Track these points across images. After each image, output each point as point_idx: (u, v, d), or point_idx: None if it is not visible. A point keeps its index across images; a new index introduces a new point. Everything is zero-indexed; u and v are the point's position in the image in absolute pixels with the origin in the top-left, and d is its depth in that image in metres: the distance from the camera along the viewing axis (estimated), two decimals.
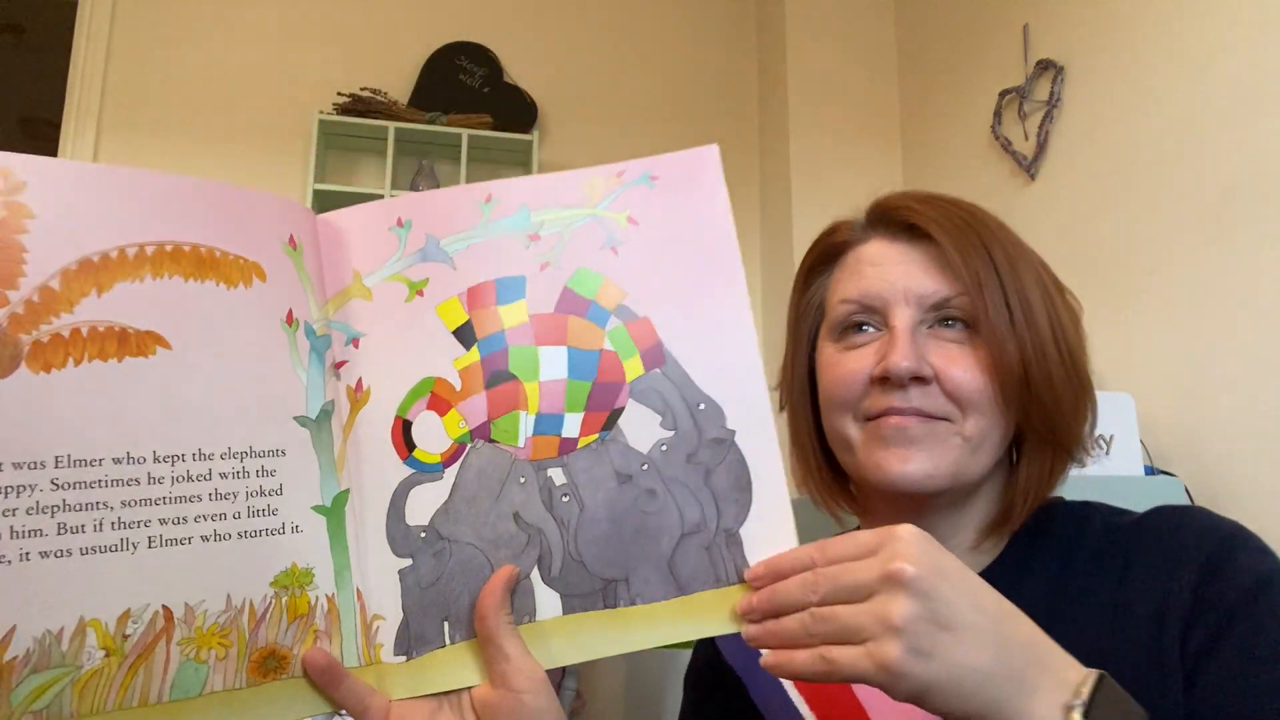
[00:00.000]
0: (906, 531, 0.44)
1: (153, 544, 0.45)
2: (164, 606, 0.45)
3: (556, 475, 0.52)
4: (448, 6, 2.97)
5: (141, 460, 0.45)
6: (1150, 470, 1.69)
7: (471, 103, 2.84)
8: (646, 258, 0.54)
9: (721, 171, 0.57)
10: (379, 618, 0.51)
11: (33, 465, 0.42)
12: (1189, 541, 0.56)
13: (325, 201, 2.68)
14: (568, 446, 0.52)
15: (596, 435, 0.52)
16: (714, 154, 0.59)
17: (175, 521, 0.45)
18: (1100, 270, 2.00)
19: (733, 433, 0.52)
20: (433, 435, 0.52)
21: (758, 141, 3.15)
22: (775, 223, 2.93)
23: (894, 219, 0.64)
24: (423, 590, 0.51)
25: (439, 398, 0.52)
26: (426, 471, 0.51)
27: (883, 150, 2.91)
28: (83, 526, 0.43)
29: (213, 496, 0.47)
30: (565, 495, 0.51)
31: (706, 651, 0.73)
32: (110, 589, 0.43)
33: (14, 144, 4.55)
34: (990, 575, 0.56)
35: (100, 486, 0.43)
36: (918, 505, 0.61)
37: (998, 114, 2.39)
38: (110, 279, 0.45)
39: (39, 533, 0.42)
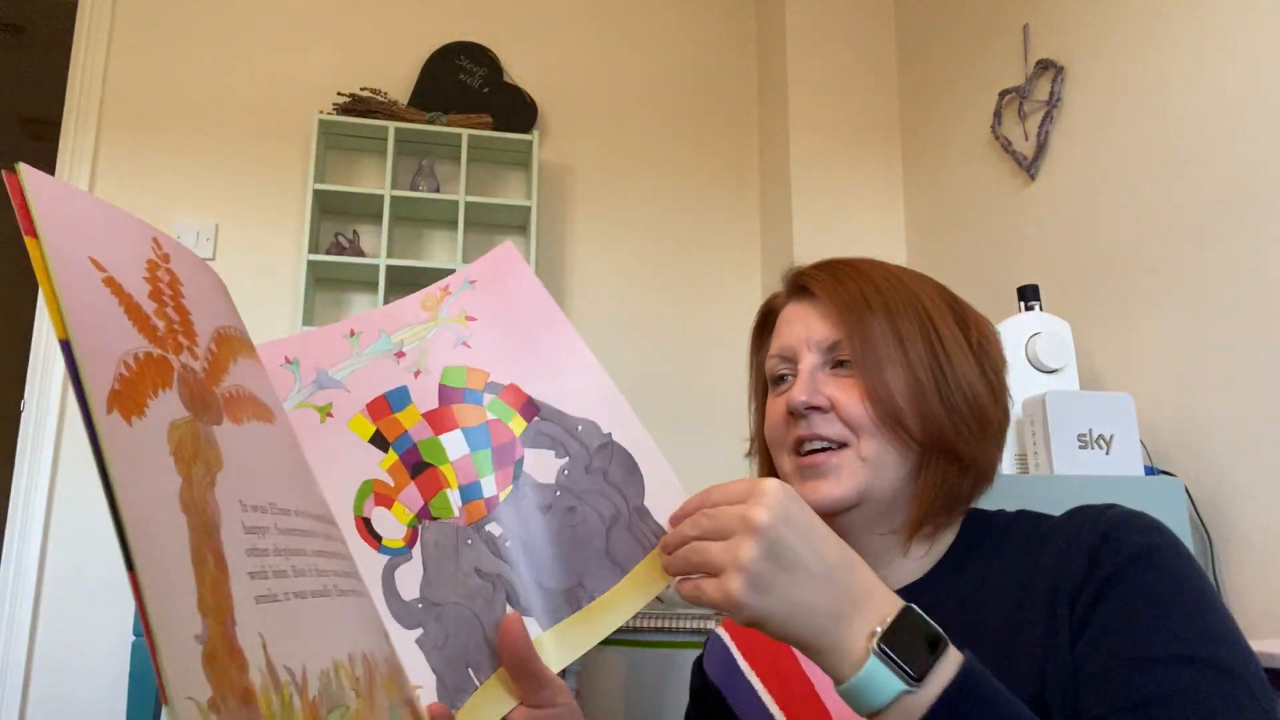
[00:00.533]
0: (770, 484, 0.53)
1: (339, 593, 0.47)
2: (364, 653, 0.47)
3: (494, 528, 0.62)
4: (448, 6, 2.97)
5: (302, 514, 0.46)
6: (1150, 470, 1.69)
7: (471, 103, 2.84)
8: (492, 340, 0.67)
9: (520, 256, 0.72)
10: (417, 687, 0.58)
11: (258, 508, 0.42)
12: (1085, 525, 0.64)
13: (325, 201, 2.68)
14: (492, 504, 0.63)
15: (510, 486, 0.63)
16: (510, 248, 0.72)
17: (335, 573, 0.48)
18: (1100, 270, 2.00)
19: (609, 435, 0.66)
20: (390, 525, 0.61)
21: (758, 141, 3.15)
22: (775, 223, 2.93)
23: (797, 284, 0.77)
24: (440, 650, 0.59)
25: (381, 494, 0.62)
26: (398, 555, 0.61)
27: (883, 150, 2.91)
28: (303, 570, 0.44)
29: (335, 554, 0.49)
30: (506, 541, 0.62)
31: (696, 674, 0.83)
32: (335, 633, 0.45)
33: (14, 144, 4.55)
34: (930, 578, 0.70)
35: (298, 535, 0.45)
36: (847, 524, 0.70)
37: (998, 114, 2.39)
38: (232, 351, 0.47)
39: (284, 574, 0.42)
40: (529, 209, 2.74)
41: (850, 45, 2.94)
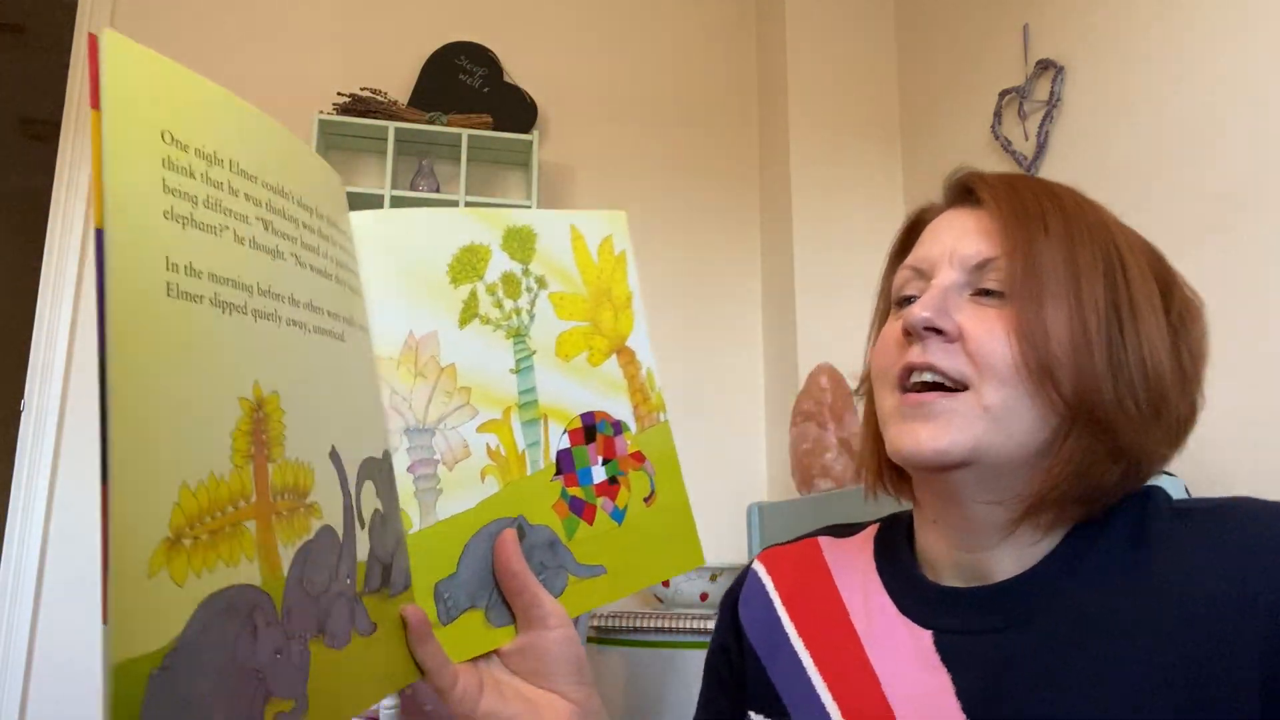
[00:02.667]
0: None
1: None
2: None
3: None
4: (448, 6, 2.97)
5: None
6: None
7: (471, 103, 2.84)
8: None
9: None
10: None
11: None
12: (1270, 546, 0.50)
13: None
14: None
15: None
16: None
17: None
18: None
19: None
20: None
21: (758, 141, 3.15)
22: (775, 222, 2.93)
23: (960, 188, 0.64)
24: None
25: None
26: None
27: (883, 150, 2.91)
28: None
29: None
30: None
31: (727, 636, 0.72)
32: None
33: (14, 144, 4.55)
34: (1040, 574, 0.57)
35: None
36: (948, 486, 0.58)
37: (998, 114, 2.39)
38: None
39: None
40: (529, 209, 2.74)
41: (850, 45, 2.94)
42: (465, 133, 2.71)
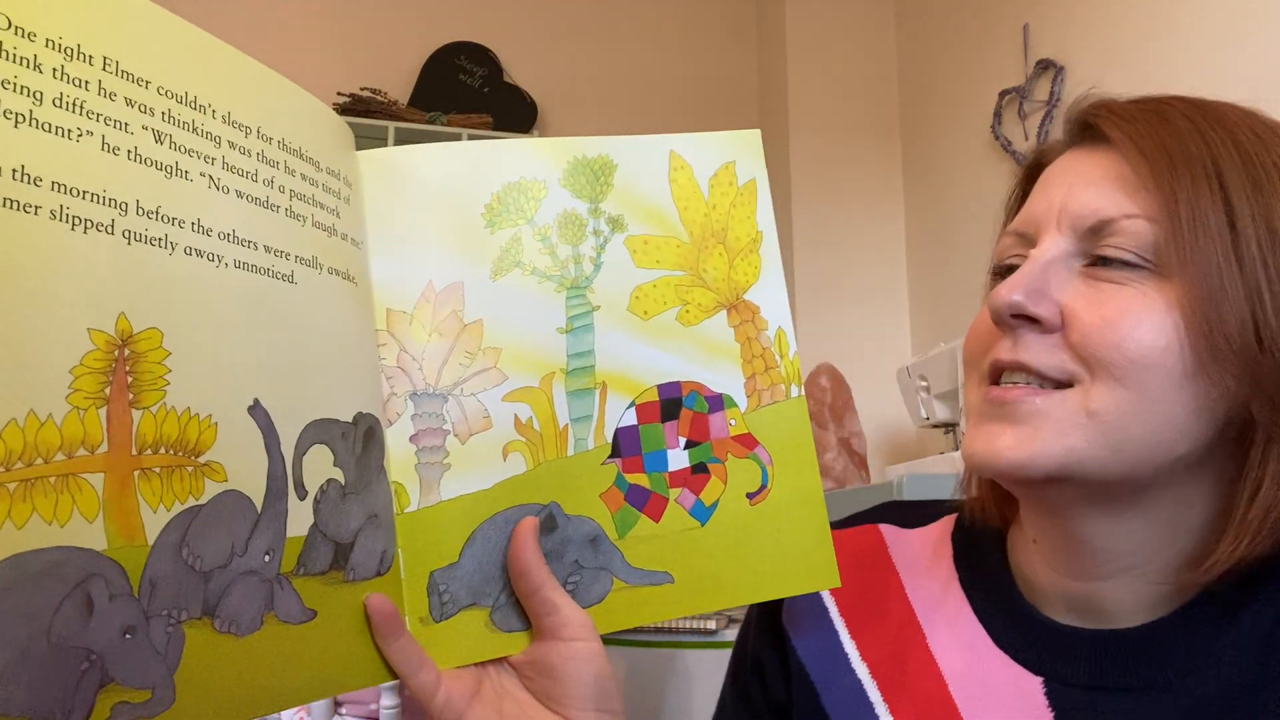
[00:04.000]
0: None
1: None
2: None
3: None
4: (448, 6, 2.97)
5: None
6: None
7: (471, 103, 2.84)
8: None
9: None
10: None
11: None
12: None
13: None
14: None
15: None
16: None
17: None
18: None
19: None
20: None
21: None
22: (775, 223, 2.93)
23: (1081, 124, 0.50)
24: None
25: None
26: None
27: (883, 150, 2.91)
28: None
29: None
30: None
31: (764, 649, 0.60)
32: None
33: None
34: (1186, 618, 0.45)
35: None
36: (1050, 504, 0.47)
37: (998, 114, 2.39)
38: None
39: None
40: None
41: (850, 45, 2.94)
42: (465, 133, 2.72)
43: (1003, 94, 2.37)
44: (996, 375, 0.46)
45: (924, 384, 2.09)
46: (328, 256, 0.46)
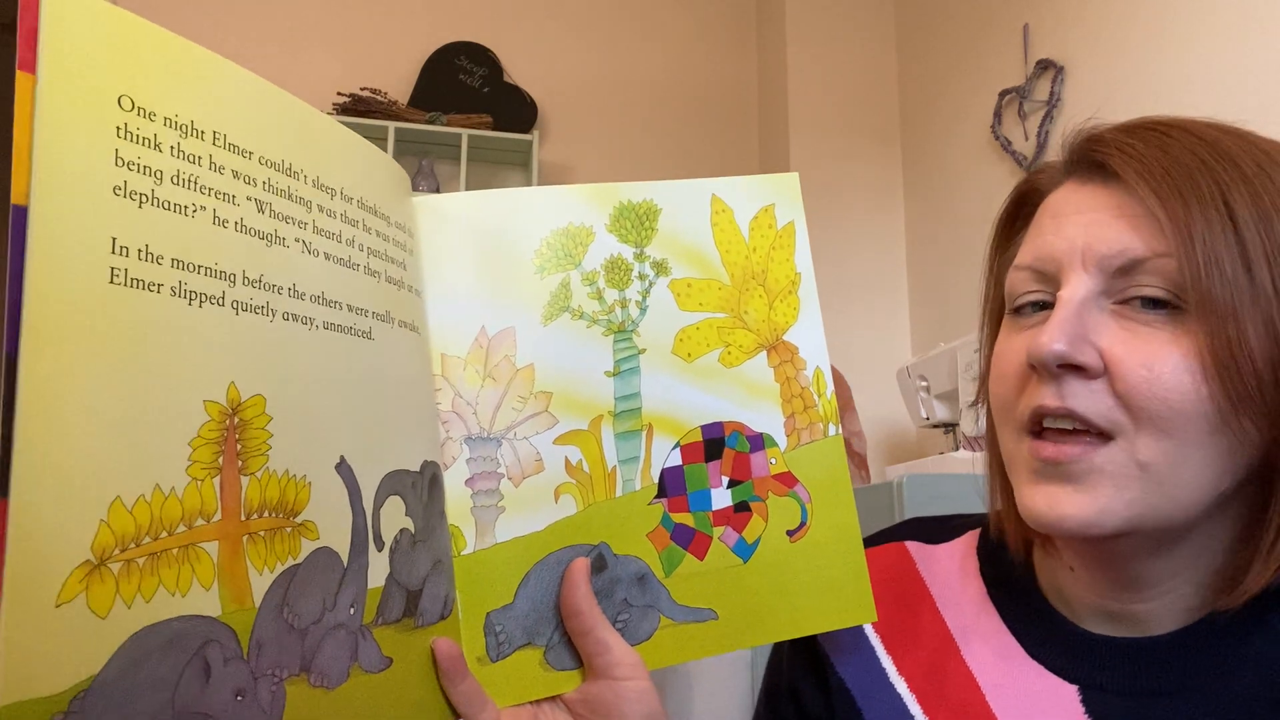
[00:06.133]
0: None
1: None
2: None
3: None
4: (448, 6, 2.97)
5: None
6: None
7: (471, 103, 2.84)
8: None
9: None
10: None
11: None
12: None
13: None
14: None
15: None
16: None
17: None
18: None
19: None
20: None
21: (757, 141, 3.15)
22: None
23: (1085, 157, 0.49)
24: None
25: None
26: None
27: (883, 150, 2.91)
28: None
29: None
30: None
31: (798, 674, 0.61)
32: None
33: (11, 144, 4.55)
34: (1217, 624, 0.46)
35: None
36: (1106, 553, 0.48)
37: (998, 114, 2.39)
38: None
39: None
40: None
41: (850, 45, 2.94)
42: (465, 133, 2.71)
43: (1003, 94, 2.37)
44: (1037, 423, 0.46)
45: (924, 384, 2.08)
46: (398, 310, 0.47)
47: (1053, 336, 0.44)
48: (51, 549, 0.29)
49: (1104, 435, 0.44)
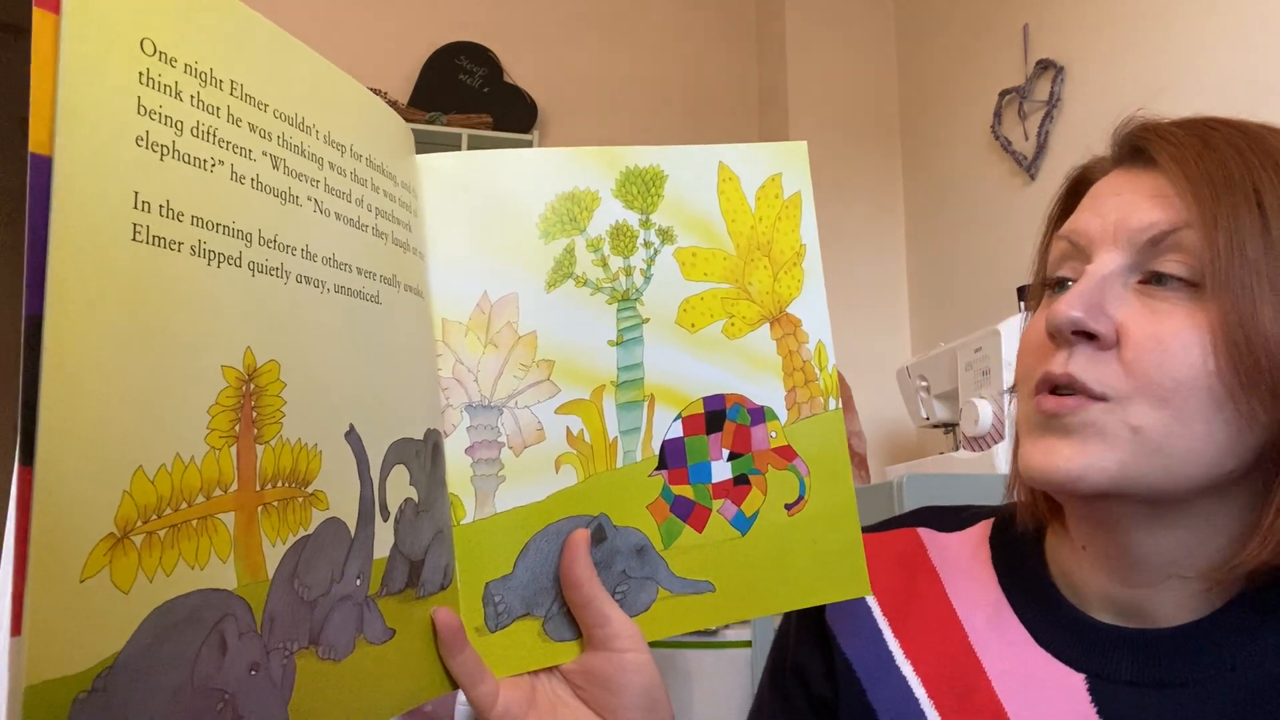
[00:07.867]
0: None
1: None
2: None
3: None
4: (448, 6, 2.97)
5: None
6: None
7: (471, 103, 2.84)
8: None
9: None
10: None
11: None
12: None
13: None
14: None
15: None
16: None
17: None
18: None
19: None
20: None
21: (758, 141, 3.14)
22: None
23: (1130, 145, 0.51)
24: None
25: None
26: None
27: (883, 150, 2.91)
28: None
29: None
30: None
31: (805, 653, 0.61)
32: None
33: (14, 144, 4.55)
34: (1226, 618, 0.47)
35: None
36: (1102, 517, 0.49)
37: (998, 114, 2.39)
38: None
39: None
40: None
41: (850, 45, 2.94)
42: (465, 133, 2.71)
43: (1003, 94, 2.37)
44: (1046, 388, 0.47)
45: (924, 384, 2.08)
46: (404, 273, 0.45)
47: (1070, 304, 0.45)
48: (76, 522, 0.28)
49: (1099, 399, 0.45)
